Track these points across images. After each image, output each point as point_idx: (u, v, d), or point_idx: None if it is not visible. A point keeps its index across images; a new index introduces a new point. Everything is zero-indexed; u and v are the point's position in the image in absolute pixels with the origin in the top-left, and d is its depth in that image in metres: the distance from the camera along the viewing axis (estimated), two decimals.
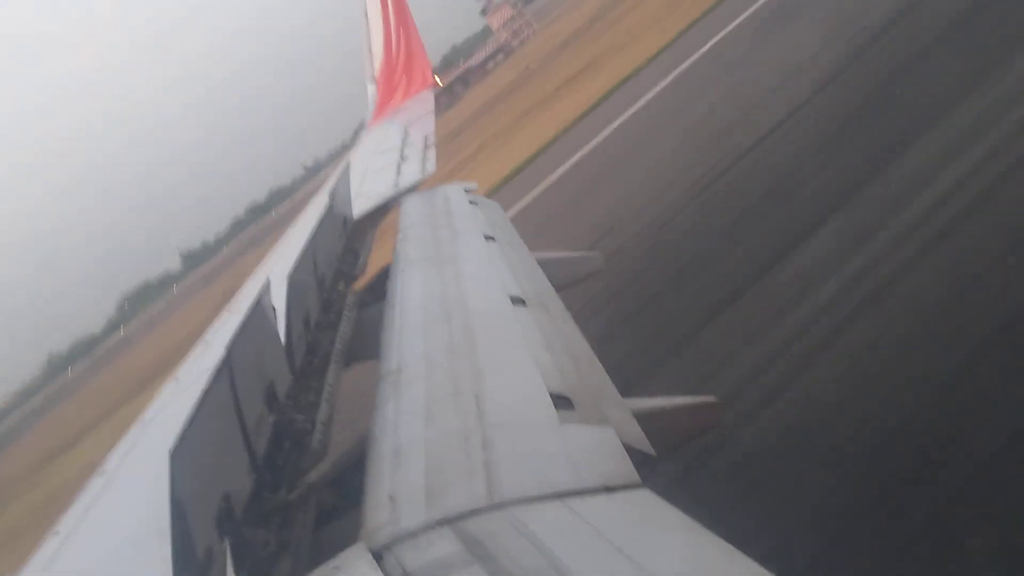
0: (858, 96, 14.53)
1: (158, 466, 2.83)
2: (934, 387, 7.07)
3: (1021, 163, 9.65)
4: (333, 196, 6.83)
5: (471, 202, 7.49)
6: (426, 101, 13.13)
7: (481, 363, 3.83)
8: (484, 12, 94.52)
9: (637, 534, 2.48)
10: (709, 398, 4.21)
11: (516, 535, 2.50)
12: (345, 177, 8.00)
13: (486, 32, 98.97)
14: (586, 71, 37.38)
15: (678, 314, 10.93)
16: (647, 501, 2.69)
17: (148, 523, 3.56)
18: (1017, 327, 7.21)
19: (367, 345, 5.03)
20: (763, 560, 2.22)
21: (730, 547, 2.33)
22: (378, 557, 2.59)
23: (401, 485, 2.95)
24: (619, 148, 21.89)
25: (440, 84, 16.47)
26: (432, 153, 9.38)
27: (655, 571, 2.23)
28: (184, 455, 2.66)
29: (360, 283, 6.46)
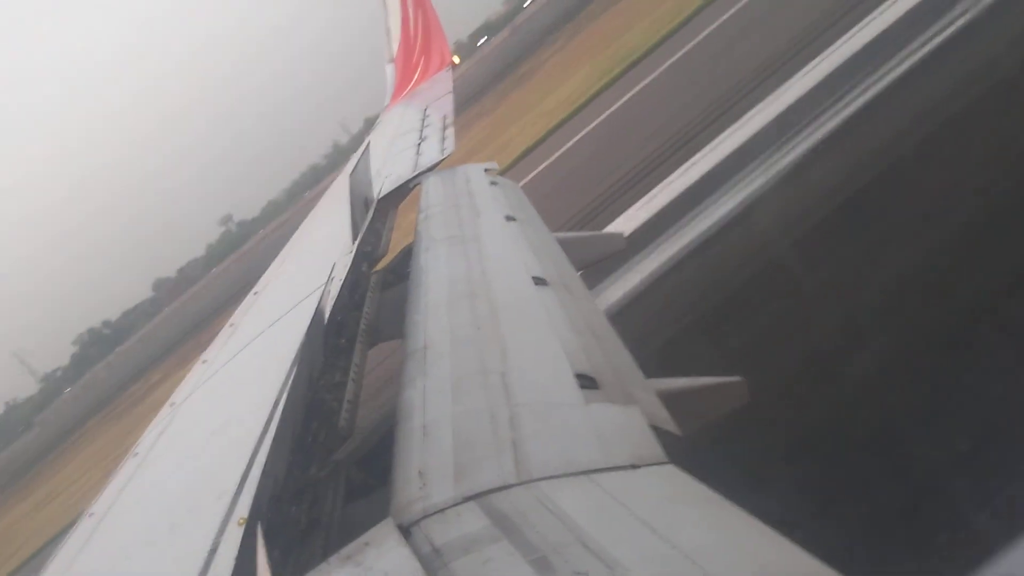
0: None
1: (189, 447, 2.89)
2: None
3: None
4: (354, 178, 6.86)
5: (491, 183, 7.47)
6: (444, 81, 13.10)
7: (506, 343, 3.85)
8: None
9: (664, 509, 2.49)
10: (734, 378, 4.19)
11: (543, 511, 2.52)
12: (365, 159, 8.03)
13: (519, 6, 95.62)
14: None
15: None
16: (674, 477, 2.69)
17: (181, 503, 3.64)
18: None
19: (390, 325, 5.07)
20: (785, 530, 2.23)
21: (758, 521, 2.33)
22: (407, 533, 2.62)
23: (430, 461, 2.98)
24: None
25: (457, 63, 16.35)
26: (451, 133, 9.35)
27: (682, 544, 2.24)
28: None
29: (382, 263, 6.49)
